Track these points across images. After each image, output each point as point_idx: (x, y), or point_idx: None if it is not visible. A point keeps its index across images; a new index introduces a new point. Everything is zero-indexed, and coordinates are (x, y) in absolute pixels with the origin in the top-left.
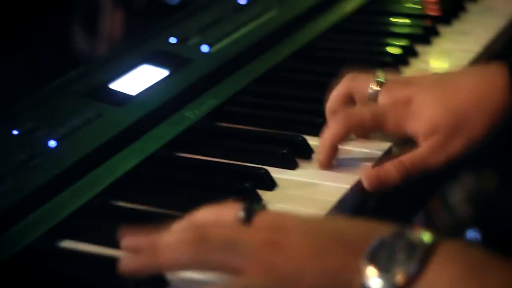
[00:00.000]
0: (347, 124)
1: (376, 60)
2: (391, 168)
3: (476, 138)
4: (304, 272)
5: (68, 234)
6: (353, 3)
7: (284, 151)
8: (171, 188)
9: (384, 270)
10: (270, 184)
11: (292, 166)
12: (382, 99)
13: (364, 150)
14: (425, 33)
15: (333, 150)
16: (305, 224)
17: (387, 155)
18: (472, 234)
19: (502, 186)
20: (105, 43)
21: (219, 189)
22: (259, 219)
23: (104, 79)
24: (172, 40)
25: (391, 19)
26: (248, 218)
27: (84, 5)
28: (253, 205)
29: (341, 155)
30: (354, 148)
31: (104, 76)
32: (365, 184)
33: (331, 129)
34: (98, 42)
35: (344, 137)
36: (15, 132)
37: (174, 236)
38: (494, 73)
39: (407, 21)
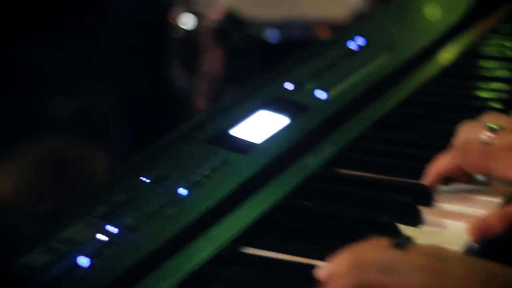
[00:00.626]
0: (457, 157)
1: (487, 106)
2: (495, 220)
3: None
4: None
5: (201, 283)
6: (460, 46)
7: (406, 200)
8: (301, 235)
9: None
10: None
11: (417, 219)
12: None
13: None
14: None
15: (437, 177)
16: (465, 259)
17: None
18: None
19: None
20: (206, 81)
21: (348, 235)
22: (415, 246)
23: (223, 125)
24: (288, 85)
25: (500, 63)
26: (404, 244)
27: (184, 45)
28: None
29: (463, 201)
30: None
31: (223, 122)
32: (470, 235)
33: (441, 159)
34: (199, 81)
35: (451, 170)
36: (145, 179)
37: (333, 265)
38: None
39: None
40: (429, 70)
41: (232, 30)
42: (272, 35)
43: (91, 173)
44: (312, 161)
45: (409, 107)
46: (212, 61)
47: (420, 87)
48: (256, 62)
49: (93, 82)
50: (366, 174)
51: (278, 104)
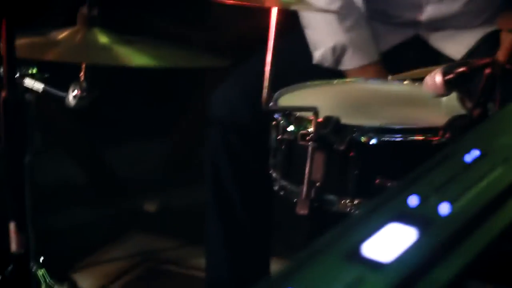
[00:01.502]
0: None
1: None
2: None
3: None
4: None
5: None
6: None
7: None
8: None
9: None
10: None
11: None
12: None
13: None
14: None
15: None
16: None
17: None
18: None
19: None
20: (309, 187)
21: None
22: None
23: (354, 239)
24: (413, 199)
25: None
26: None
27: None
28: None
29: None
30: None
31: (353, 237)
32: None
33: None
34: (302, 186)
35: None
36: None
37: None
38: None
39: None
40: None
41: (333, 135)
42: (372, 140)
43: None
44: (442, 277)
45: None
46: (314, 167)
47: None
48: (357, 166)
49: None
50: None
51: (405, 217)
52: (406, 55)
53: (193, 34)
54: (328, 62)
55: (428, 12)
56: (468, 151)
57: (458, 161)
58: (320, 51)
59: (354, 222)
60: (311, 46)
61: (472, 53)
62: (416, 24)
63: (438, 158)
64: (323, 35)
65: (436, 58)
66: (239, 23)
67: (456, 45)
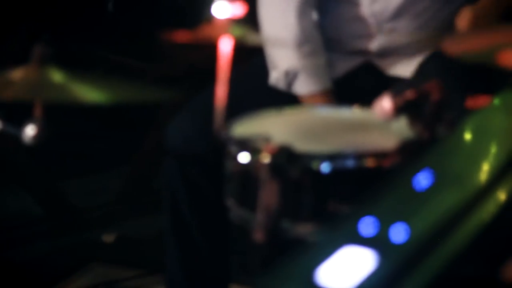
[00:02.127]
0: None
1: None
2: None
3: None
4: None
5: None
6: None
7: None
8: None
9: None
10: None
11: None
12: None
13: None
14: None
15: None
16: None
17: None
18: None
19: None
20: (264, 215)
21: None
22: None
23: (309, 267)
24: (367, 222)
25: None
26: None
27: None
28: None
29: None
30: None
31: (308, 264)
32: None
33: None
34: (257, 215)
35: None
36: None
37: None
38: None
39: None
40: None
41: (286, 163)
42: (324, 167)
43: None
44: None
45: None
46: (269, 195)
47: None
48: (311, 193)
49: None
50: None
51: (359, 242)
52: (358, 82)
53: (149, 67)
54: (281, 85)
55: (378, 42)
56: (419, 173)
57: (410, 184)
58: (275, 73)
59: (308, 249)
60: (270, 66)
61: (421, 73)
62: (366, 52)
63: (390, 181)
64: (279, 57)
65: (387, 83)
66: (194, 54)
67: (405, 67)
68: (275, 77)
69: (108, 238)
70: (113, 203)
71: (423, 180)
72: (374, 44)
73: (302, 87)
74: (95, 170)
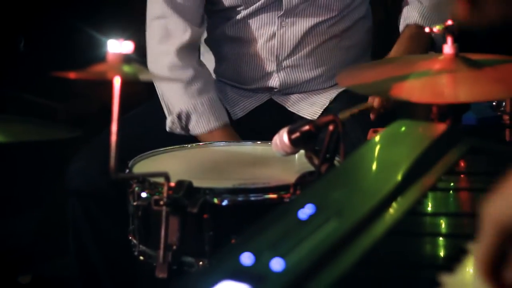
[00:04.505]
0: None
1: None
2: None
3: None
4: None
5: None
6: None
7: None
8: None
9: None
10: None
11: None
12: None
13: None
14: None
15: None
16: None
17: None
18: None
19: None
20: (164, 250)
21: None
22: None
23: None
24: (247, 256)
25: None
26: None
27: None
28: None
29: None
30: None
31: None
32: None
33: None
34: (158, 251)
35: None
36: None
37: None
38: None
39: None
40: (378, 230)
41: (186, 198)
42: (224, 201)
43: None
44: None
45: (363, 267)
46: (168, 229)
47: (370, 247)
48: (212, 227)
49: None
50: None
51: (238, 275)
52: (263, 119)
53: (55, 105)
54: (177, 129)
55: (280, 79)
56: (302, 206)
57: (292, 216)
58: (169, 119)
59: (188, 282)
60: (165, 111)
61: (327, 111)
62: (269, 89)
63: (273, 215)
64: (169, 102)
65: (292, 120)
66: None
67: (311, 107)
68: (170, 121)
69: (24, 279)
70: (27, 245)
71: (305, 212)
72: (275, 81)
73: (198, 127)
74: (5, 214)
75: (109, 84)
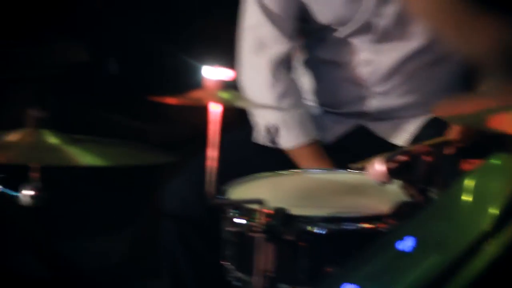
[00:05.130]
0: None
1: None
2: None
3: None
4: None
5: None
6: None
7: None
8: None
9: None
10: None
11: None
12: None
13: None
14: None
15: None
16: None
17: None
18: None
19: None
20: (260, 277)
21: None
22: None
23: None
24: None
25: None
26: None
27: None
28: None
29: None
30: None
31: None
32: None
33: None
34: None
35: None
36: None
37: None
38: None
39: None
40: (479, 264)
41: (282, 226)
42: (320, 229)
43: None
44: None
45: None
46: (264, 258)
47: (472, 281)
48: (308, 256)
49: None
50: None
51: None
52: (352, 145)
53: (148, 128)
54: (265, 141)
55: (374, 105)
56: (402, 238)
57: (393, 249)
58: (258, 130)
59: None
60: (254, 124)
61: (416, 139)
62: (360, 115)
63: (373, 246)
64: (260, 114)
65: (381, 146)
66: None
67: (400, 133)
68: (259, 133)
69: None
70: (116, 265)
71: (406, 244)
72: (367, 107)
73: (286, 141)
74: (97, 232)
75: (200, 109)
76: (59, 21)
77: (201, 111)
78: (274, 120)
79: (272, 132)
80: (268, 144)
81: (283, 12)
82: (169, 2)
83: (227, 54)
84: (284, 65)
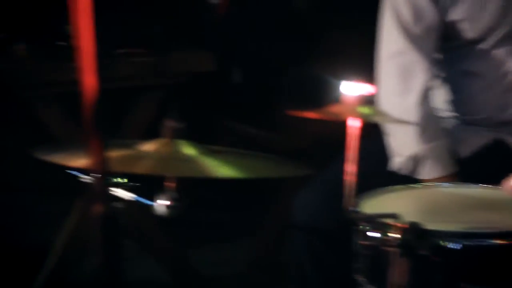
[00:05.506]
0: None
1: None
2: None
3: None
4: None
5: None
6: None
7: None
8: None
9: None
10: None
11: None
12: None
13: None
14: None
15: None
16: None
17: None
18: None
19: None
20: None
21: None
22: None
23: None
24: None
25: None
26: None
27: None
28: None
29: None
30: None
31: None
32: None
33: None
34: None
35: None
36: None
37: None
38: None
39: None
40: None
41: (417, 241)
42: (456, 244)
43: None
44: None
45: None
46: (399, 272)
47: None
48: (442, 271)
49: None
50: None
51: None
52: (486, 160)
53: (275, 139)
54: (405, 171)
55: (510, 113)
56: None
57: None
58: (398, 159)
59: None
60: (390, 153)
61: None
62: (499, 125)
63: None
64: (402, 143)
65: None
66: (318, 128)
67: None
68: (399, 162)
69: None
70: (239, 274)
71: None
72: (506, 116)
73: (428, 173)
74: (222, 240)
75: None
76: (184, 30)
77: (324, 123)
78: (418, 151)
79: (415, 162)
80: (406, 173)
81: (427, 35)
82: (305, 18)
83: (365, 68)
84: (428, 91)
